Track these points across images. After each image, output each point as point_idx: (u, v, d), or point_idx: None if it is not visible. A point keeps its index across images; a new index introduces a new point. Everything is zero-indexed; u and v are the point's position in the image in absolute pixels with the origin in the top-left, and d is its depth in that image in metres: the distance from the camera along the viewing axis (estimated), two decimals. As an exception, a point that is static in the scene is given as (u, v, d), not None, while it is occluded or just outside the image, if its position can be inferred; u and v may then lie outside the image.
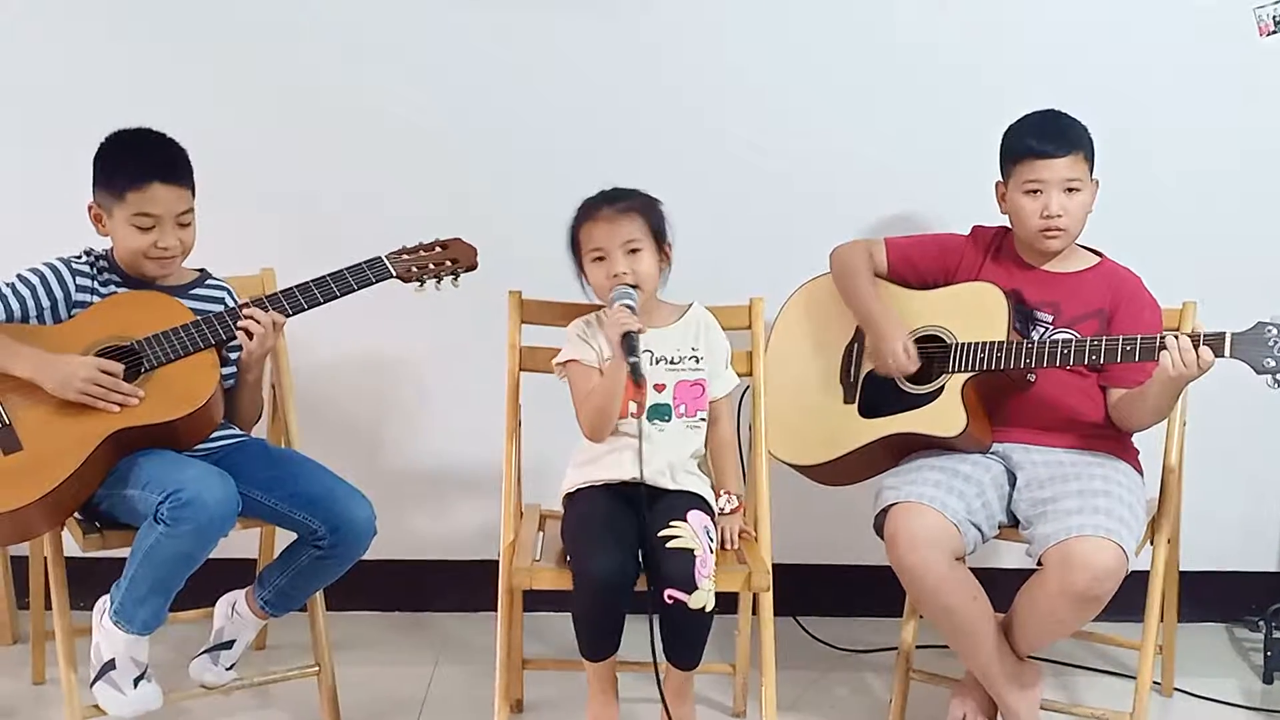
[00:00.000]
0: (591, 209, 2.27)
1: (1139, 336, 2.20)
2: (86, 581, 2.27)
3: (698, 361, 2.31)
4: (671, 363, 2.29)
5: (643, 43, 2.78)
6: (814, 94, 2.81)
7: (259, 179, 2.75)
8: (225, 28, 2.74)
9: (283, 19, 2.74)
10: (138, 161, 2.21)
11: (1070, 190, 2.33)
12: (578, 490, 2.28)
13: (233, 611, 2.31)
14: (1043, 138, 2.33)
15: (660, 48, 2.79)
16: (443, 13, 2.75)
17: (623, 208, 2.25)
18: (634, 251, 2.23)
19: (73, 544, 2.22)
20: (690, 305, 2.36)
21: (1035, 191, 2.33)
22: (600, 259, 2.24)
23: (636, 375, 2.11)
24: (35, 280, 2.21)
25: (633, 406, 2.22)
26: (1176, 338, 2.13)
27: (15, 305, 2.18)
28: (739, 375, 2.40)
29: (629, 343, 2.13)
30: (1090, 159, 2.36)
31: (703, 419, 2.31)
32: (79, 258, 2.26)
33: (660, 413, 2.26)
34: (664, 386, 2.27)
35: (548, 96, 2.79)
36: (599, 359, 2.26)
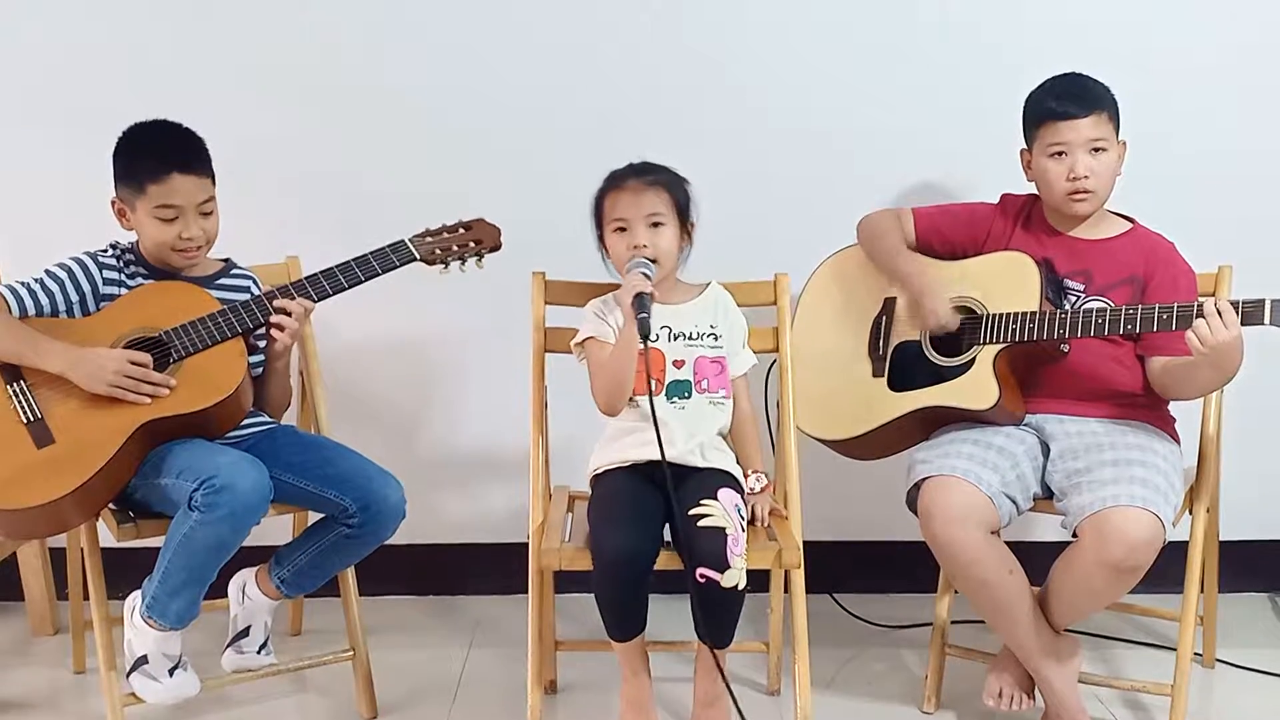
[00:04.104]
0: (618, 179, 2.26)
1: (1175, 304, 2.16)
2: (123, 571, 2.30)
3: (716, 339, 2.30)
4: (690, 339, 2.28)
5: (664, 20, 2.76)
6: (837, 69, 2.78)
7: (282, 166, 2.75)
8: (244, 13, 2.74)
9: (302, 8, 2.74)
10: (156, 154, 2.21)
11: (1096, 150, 2.29)
12: (604, 471, 2.28)
13: (244, 596, 2.31)
14: (1064, 99, 2.29)
15: (680, 23, 2.76)
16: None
17: (649, 181, 2.24)
18: (656, 225, 2.23)
19: (108, 534, 2.23)
20: (709, 284, 2.35)
21: (1060, 154, 2.30)
22: (622, 229, 2.23)
23: (644, 329, 2.10)
24: (63, 275, 2.22)
25: (652, 384, 2.21)
26: (1217, 306, 2.08)
27: (44, 300, 2.20)
28: (765, 352, 2.39)
29: (640, 302, 2.13)
30: (1115, 119, 2.32)
31: (725, 397, 2.30)
32: (105, 251, 2.28)
33: (680, 390, 2.25)
34: (683, 363, 2.26)
35: (566, 70, 2.77)
36: (613, 335, 2.25)
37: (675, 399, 2.24)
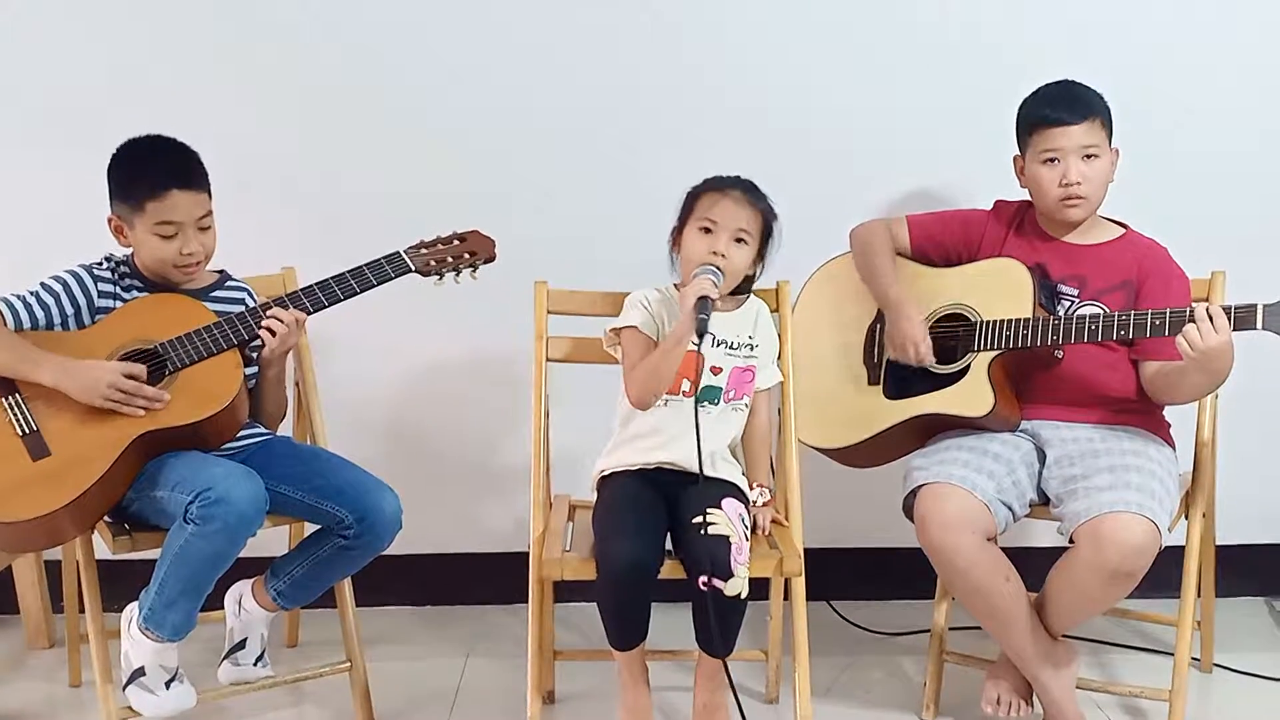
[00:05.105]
0: (723, 184, 2.27)
1: (1168, 310, 2.16)
2: (119, 584, 2.29)
3: (752, 349, 2.32)
4: (731, 347, 2.29)
5: (663, 22, 2.75)
6: (837, 70, 2.78)
7: (277, 178, 2.75)
8: (241, 18, 2.73)
9: (297, 16, 2.74)
10: (154, 170, 2.21)
11: (1088, 157, 2.30)
12: (610, 475, 2.28)
13: (240, 608, 2.31)
14: (1057, 105, 2.30)
15: (679, 25, 2.76)
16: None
17: (752, 200, 2.26)
18: (740, 242, 2.24)
19: (104, 547, 2.23)
20: (749, 296, 2.36)
21: (1053, 160, 2.31)
22: (708, 231, 2.24)
23: (702, 329, 2.11)
24: (58, 288, 2.22)
25: (685, 385, 2.22)
26: (1208, 310, 2.09)
27: (40, 313, 2.20)
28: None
29: (703, 304, 2.13)
30: (1107, 126, 2.33)
31: (746, 404, 2.31)
32: (100, 264, 2.27)
33: (710, 395, 2.26)
34: (720, 370, 2.27)
35: (564, 74, 2.76)
36: (657, 330, 2.26)
37: (704, 404, 2.25)
